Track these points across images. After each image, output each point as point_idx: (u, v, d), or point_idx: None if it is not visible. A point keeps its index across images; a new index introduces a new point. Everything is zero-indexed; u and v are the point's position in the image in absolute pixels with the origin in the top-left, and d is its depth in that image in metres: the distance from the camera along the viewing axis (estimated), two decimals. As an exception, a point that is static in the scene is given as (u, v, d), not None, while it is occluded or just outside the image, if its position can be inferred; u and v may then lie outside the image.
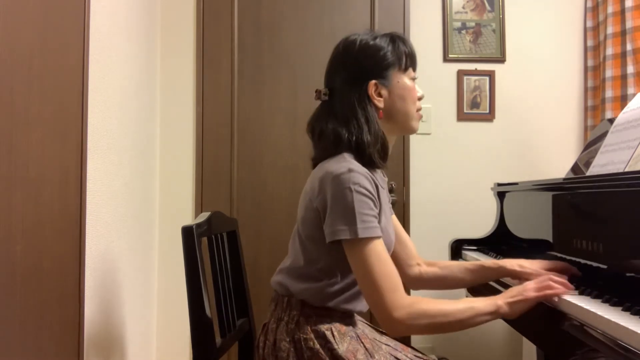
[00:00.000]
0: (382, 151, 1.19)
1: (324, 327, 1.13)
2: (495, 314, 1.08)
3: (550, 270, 1.29)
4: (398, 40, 1.23)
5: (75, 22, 1.33)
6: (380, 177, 1.24)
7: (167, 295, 2.33)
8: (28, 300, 1.08)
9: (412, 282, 1.40)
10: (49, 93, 1.18)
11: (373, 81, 1.19)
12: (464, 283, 1.39)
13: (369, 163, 1.16)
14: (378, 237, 1.07)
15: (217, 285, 1.32)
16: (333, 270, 1.15)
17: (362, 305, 1.20)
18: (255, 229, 2.39)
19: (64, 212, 1.26)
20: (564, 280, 1.12)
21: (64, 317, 1.26)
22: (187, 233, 1.17)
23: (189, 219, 2.34)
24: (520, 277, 1.29)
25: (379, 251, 1.06)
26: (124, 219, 1.78)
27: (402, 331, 1.06)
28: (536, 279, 1.15)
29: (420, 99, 1.26)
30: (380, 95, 1.20)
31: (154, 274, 2.32)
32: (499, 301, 1.09)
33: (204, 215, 1.30)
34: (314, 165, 1.25)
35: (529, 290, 1.10)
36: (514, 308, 1.08)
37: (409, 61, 1.23)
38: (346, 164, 1.10)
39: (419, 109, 1.26)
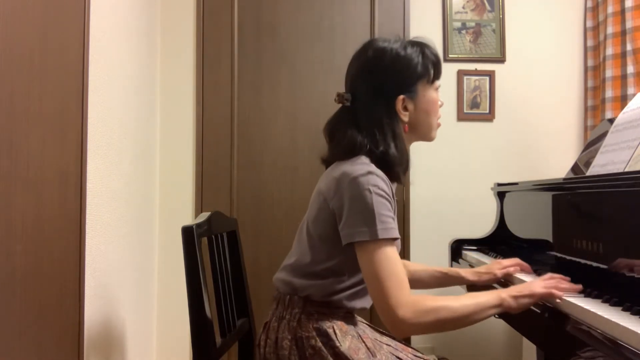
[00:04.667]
0: (406, 167, 1.20)
1: (325, 325, 1.13)
2: (500, 307, 1.08)
3: (505, 268, 1.37)
4: (427, 51, 1.20)
5: (75, 22, 1.33)
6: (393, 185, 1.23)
7: (167, 295, 2.33)
8: (28, 300, 1.08)
9: None
10: (49, 93, 1.18)
11: (402, 96, 1.17)
12: (428, 287, 1.45)
13: (393, 179, 1.15)
14: (394, 239, 1.07)
15: (217, 285, 1.32)
16: (342, 270, 1.15)
17: (363, 302, 1.20)
18: (255, 229, 2.39)
19: (64, 212, 1.26)
20: (570, 283, 1.14)
21: (64, 317, 1.26)
22: (187, 233, 1.17)
23: (189, 219, 2.34)
24: (478, 284, 1.38)
25: (390, 252, 1.05)
26: (124, 219, 1.78)
27: (408, 330, 1.04)
28: (543, 277, 1.16)
29: (440, 106, 1.25)
30: (406, 109, 1.19)
31: (154, 274, 2.32)
32: (503, 294, 1.09)
33: (204, 215, 1.30)
34: (325, 164, 1.25)
35: (536, 286, 1.11)
36: (519, 302, 1.08)
37: (436, 72, 1.22)
38: (365, 166, 1.10)
39: (438, 118, 1.25)
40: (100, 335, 1.56)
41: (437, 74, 1.22)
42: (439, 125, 1.26)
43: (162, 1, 2.38)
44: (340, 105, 1.23)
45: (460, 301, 1.06)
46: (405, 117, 1.18)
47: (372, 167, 1.10)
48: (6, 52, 1.00)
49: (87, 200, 1.41)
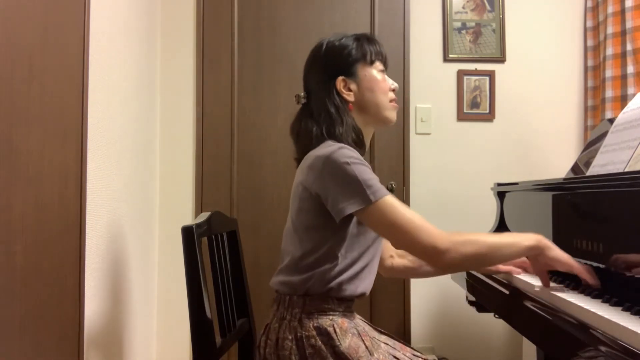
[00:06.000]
0: (357, 139, 1.23)
1: (326, 324, 1.14)
2: (534, 249, 1.11)
3: (511, 264, 1.37)
4: (363, 39, 1.28)
5: (75, 22, 1.33)
6: None
7: (167, 295, 2.33)
8: (28, 300, 1.08)
9: (384, 272, 1.46)
10: (49, 93, 1.18)
11: (340, 77, 1.24)
12: (431, 274, 1.46)
13: None
14: (389, 195, 1.09)
15: (217, 285, 1.32)
16: (334, 253, 1.16)
17: (364, 284, 1.21)
18: (255, 229, 2.39)
19: (64, 212, 1.26)
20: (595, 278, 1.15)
21: (64, 317, 1.26)
22: (187, 233, 1.17)
23: (189, 219, 2.34)
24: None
25: (395, 203, 1.08)
26: (124, 219, 1.78)
27: (451, 262, 1.04)
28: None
29: (393, 90, 1.29)
30: (349, 89, 1.25)
31: (154, 274, 2.32)
32: (540, 237, 1.12)
33: (204, 215, 1.30)
34: (297, 163, 1.29)
35: (572, 260, 1.13)
36: (555, 253, 1.12)
37: (375, 55, 1.28)
38: (333, 146, 1.14)
39: (392, 100, 1.29)
40: (100, 335, 1.56)
41: (377, 57, 1.28)
42: (395, 107, 1.30)
43: (162, 1, 2.38)
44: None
45: (495, 236, 1.08)
46: (349, 96, 1.24)
47: (341, 144, 1.15)
48: (6, 51, 1.00)
49: (87, 200, 1.41)
